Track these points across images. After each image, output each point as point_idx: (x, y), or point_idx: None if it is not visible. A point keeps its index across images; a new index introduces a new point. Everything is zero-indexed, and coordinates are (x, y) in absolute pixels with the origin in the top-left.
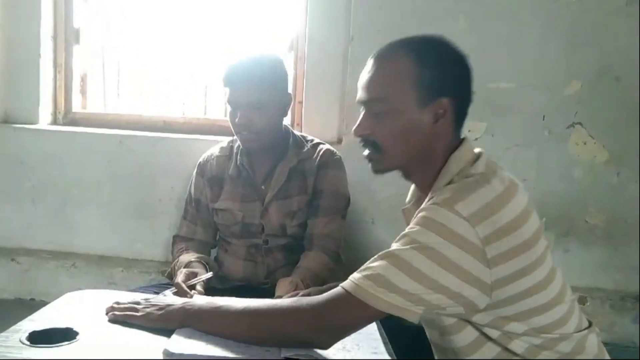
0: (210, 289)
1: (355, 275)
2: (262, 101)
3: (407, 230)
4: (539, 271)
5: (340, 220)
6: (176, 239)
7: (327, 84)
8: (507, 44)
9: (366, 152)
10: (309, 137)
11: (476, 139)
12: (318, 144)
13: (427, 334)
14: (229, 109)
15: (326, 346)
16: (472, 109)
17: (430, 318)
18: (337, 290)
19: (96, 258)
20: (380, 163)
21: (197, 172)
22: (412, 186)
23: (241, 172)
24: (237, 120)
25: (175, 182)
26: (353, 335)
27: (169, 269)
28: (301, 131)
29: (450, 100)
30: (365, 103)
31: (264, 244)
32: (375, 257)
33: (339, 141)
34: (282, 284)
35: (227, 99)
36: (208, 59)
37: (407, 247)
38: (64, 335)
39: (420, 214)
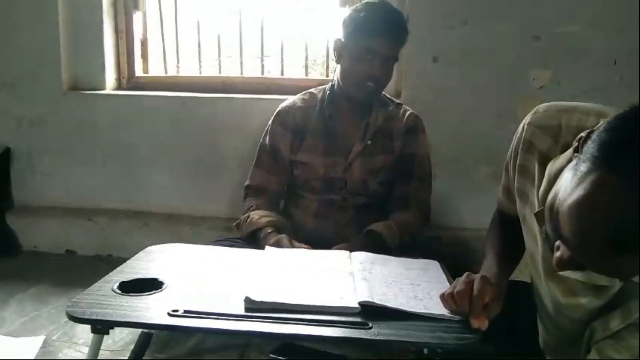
0: None
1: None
2: (397, 56)
3: None
4: None
5: (430, 184)
6: (248, 190)
7: None
8: None
9: None
10: (389, 95)
11: (541, 88)
12: (400, 104)
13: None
14: (354, 56)
15: None
16: (535, 56)
17: None
18: None
19: (165, 216)
20: None
21: (276, 121)
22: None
23: (327, 125)
24: (372, 71)
25: (237, 143)
26: (423, 284)
27: (239, 220)
28: None
29: None
30: None
31: (343, 200)
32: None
33: (397, 95)
34: (378, 225)
35: (362, 45)
36: (263, 19)
37: None
38: (151, 285)
39: None
